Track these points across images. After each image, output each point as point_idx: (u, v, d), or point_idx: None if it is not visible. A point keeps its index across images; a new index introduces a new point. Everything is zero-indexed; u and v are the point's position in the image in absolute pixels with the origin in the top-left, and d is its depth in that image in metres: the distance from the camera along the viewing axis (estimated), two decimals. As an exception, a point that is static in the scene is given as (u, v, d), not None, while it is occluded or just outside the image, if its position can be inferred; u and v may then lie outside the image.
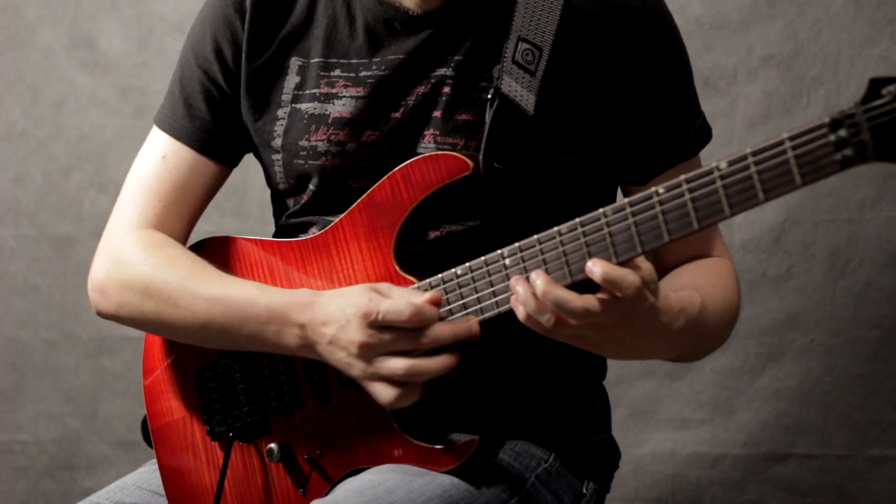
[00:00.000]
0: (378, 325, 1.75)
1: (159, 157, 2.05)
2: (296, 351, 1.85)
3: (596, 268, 1.59)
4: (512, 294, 1.67)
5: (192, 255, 1.99)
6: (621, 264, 1.61)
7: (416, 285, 1.80)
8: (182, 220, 2.06)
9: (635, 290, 1.60)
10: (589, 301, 1.61)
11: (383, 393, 1.77)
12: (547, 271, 1.66)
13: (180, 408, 2.04)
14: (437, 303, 1.76)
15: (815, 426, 2.83)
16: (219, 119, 2.04)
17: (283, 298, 1.85)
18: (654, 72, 1.89)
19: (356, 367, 1.78)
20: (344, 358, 1.79)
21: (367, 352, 1.76)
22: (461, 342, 1.75)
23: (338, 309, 1.79)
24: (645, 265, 1.63)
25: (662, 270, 1.95)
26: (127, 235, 2.02)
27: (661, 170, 1.92)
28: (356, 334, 1.76)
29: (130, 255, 1.99)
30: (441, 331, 1.75)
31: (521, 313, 1.66)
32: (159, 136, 2.06)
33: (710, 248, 1.98)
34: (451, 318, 1.76)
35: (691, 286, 1.83)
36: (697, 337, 1.80)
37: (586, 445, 2.01)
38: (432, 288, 1.77)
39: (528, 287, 1.65)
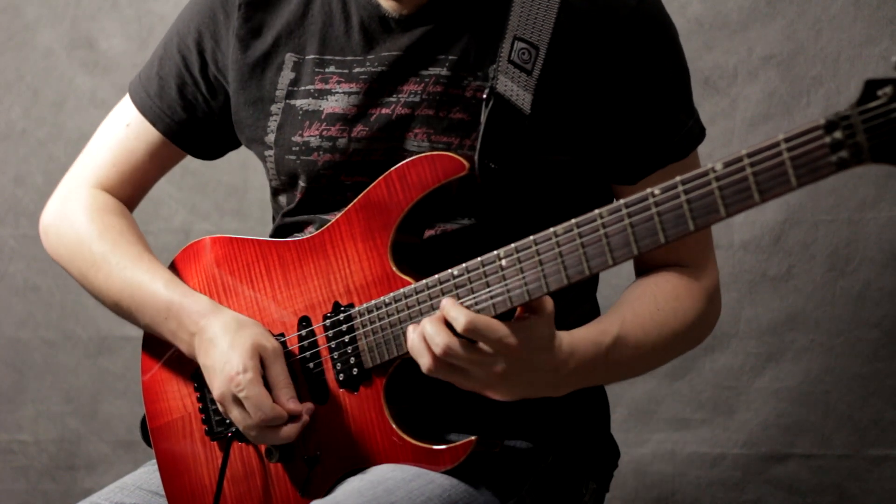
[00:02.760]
0: (235, 398, 1.87)
1: (124, 123, 2.14)
2: (188, 355, 1.97)
3: (460, 319, 1.68)
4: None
5: (125, 227, 2.09)
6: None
7: (403, 289, 1.82)
8: (132, 187, 2.16)
9: (500, 347, 1.69)
10: (449, 336, 1.69)
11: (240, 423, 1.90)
12: (543, 274, 1.67)
13: (179, 407, 2.04)
14: (293, 414, 1.87)
15: (815, 426, 2.82)
16: (187, 107, 2.09)
17: (181, 301, 1.97)
18: (647, 71, 1.89)
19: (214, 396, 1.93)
20: (210, 388, 1.93)
21: (221, 405, 1.90)
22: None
23: (220, 353, 1.90)
24: (536, 319, 1.70)
25: (641, 267, 1.97)
26: (79, 189, 2.14)
27: (649, 170, 1.90)
28: (217, 387, 1.89)
29: (73, 211, 2.11)
30: (286, 431, 1.88)
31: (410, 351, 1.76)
32: (130, 104, 2.14)
33: (695, 255, 1.95)
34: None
35: (624, 312, 1.86)
36: (605, 371, 1.84)
37: (585, 445, 2.00)
38: (429, 289, 1.77)
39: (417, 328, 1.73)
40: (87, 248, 2.07)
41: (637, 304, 1.88)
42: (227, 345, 1.89)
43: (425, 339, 1.70)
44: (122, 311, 2.05)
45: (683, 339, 1.92)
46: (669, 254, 1.92)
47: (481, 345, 1.68)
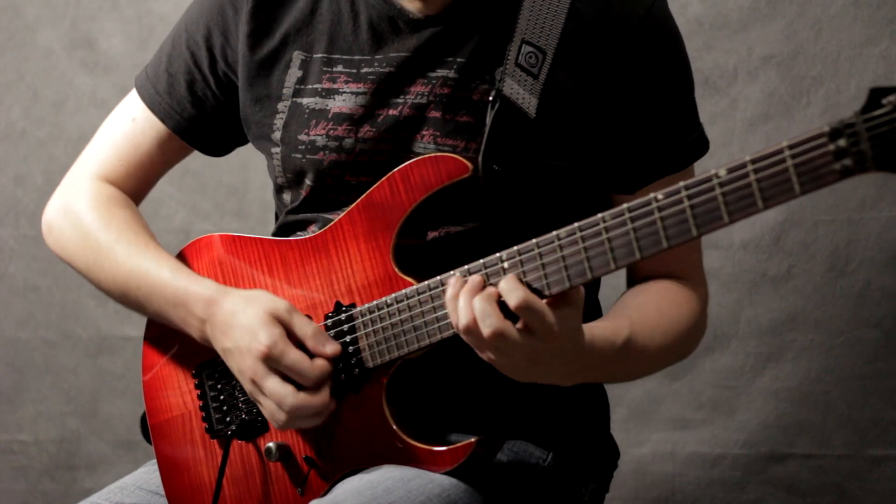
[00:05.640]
0: (274, 369, 1.84)
1: (130, 117, 2.13)
2: (199, 340, 1.96)
3: (516, 293, 1.63)
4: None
5: (130, 218, 2.08)
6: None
7: (405, 290, 1.81)
8: (138, 182, 2.15)
9: (546, 330, 1.64)
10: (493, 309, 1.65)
11: (271, 416, 1.88)
12: (545, 277, 1.66)
13: (179, 405, 2.04)
14: (336, 355, 1.85)
15: (815, 426, 2.83)
16: (197, 104, 2.08)
17: (188, 288, 1.95)
18: (653, 81, 1.89)
19: (244, 385, 1.90)
20: (235, 371, 1.90)
21: (255, 384, 1.87)
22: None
23: (241, 330, 1.87)
24: (570, 309, 1.66)
25: (634, 278, 1.98)
26: (83, 183, 2.12)
27: (647, 181, 1.91)
28: (250, 366, 1.86)
29: (78, 204, 2.10)
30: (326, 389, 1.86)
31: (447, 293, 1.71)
32: (136, 99, 2.13)
33: (685, 267, 1.96)
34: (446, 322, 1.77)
35: (631, 315, 1.85)
36: (613, 370, 1.84)
37: (585, 445, 2.01)
38: (431, 290, 1.77)
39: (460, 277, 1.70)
40: (92, 239, 2.06)
41: (643, 308, 1.88)
42: (244, 322, 1.86)
43: (474, 312, 1.66)
44: (129, 300, 2.03)
45: (681, 346, 1.93)
46: (664, 266, 1.93)
47: (527, 326, 1.65)
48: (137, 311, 2.06)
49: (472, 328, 1.66)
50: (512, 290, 1.64)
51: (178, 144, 2.12)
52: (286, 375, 1.84)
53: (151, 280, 1.98)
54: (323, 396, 1.84)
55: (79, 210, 2.09)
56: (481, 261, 1.72)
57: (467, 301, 1.67)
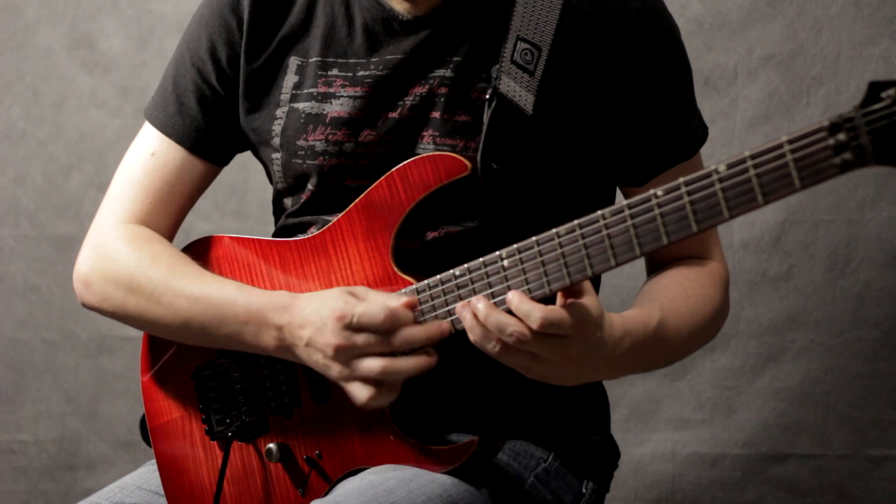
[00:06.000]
0: (353, 327, 1.77)
1: (149, 153, 2.06)
2: (274, 352, 1.87)
3: (534, 315, 1.63)
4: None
5: (175, 252, 2.00)
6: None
7: (405, 289, 1.81)
8: (169, 216, 2.07)
9: (574, 331, 1.64)
10: (525, 328, 1.64)
11: (359, 393, 1.79)
12: (545, 274, 1.66)
13: (179, 407, 2.04)
14: (412, 306, 1.78)
15: (815, 426, 2.83)
16: (210, 118, 2.04)
17: (261, 300, 1.87)
18: (652, 73, 1.89)
19: (333, 369, 1.80)
20: (321, 360, 1.81)
21: (343, 354, 1.78)
22: (434, 343, 1.78)
23: (314, 312, 1.80)
24: (587, 298, 1.65)
25: (653, 264, 1.98)
26: (113, 230, 2.03)
27: (658, 171, 1.92)
28: (332, 337, 1.78)
29: (115, 249, 2.00)
30: (413, 332, 1.77)
31: (471, 338, 1.70)
32: (150, 132, 2.07)
33: (705, 248, 1.98)
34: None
35: (658, 298, 1.85)
36: (652, 353, 1.81)
37: (585, 445, 2.00)
38: (430, 289, 1.77)
39: (472, 314, 1.68)
40: (142, 279, 1.96)
41: (668, 291, 1.88)
42: (317, 305, 1.81)
43: (490, 329, 1.66)
44: (192, 330, 1.94)
45: (711, 325, 1.93)
46: (684, 247, 1.94)
47: (555, 335, 1.65)
48: (199, 340, 1.97)
49: (495, 343, 1.67)
50: (530, 313, 1.63)
51: (200, 168, 2.07)
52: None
53: (218, 301, 1.90)
54: (418, 358, 1.77)
55: (117, 255, 2.00)
56: (480, 259, 1.72)
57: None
